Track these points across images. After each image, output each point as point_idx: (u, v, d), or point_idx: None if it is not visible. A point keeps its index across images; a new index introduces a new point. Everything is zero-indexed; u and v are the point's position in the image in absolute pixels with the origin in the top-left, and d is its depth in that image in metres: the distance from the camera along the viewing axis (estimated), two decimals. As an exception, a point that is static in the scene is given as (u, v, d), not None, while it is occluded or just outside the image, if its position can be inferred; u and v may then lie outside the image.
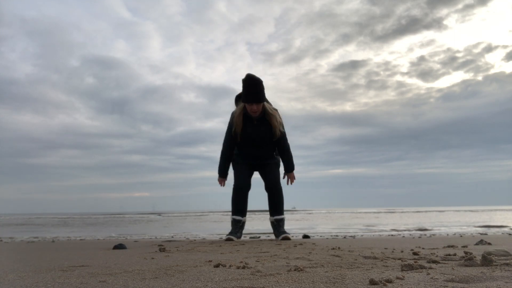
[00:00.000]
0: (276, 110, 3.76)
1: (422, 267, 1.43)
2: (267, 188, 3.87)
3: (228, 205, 4.06)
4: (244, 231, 3.95)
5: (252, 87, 3.50)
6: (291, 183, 3.92)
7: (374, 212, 27.10)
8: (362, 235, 5.46)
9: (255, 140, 3.71)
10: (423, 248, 2.38)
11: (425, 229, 7.30)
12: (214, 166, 4.00)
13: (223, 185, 3.92)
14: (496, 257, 1.65)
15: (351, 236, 5.03)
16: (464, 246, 2.50)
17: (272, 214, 3.86)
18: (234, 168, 3.89)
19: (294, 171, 3.93)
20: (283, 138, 3.77)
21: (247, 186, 3.82)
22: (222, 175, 3.88)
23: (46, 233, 7.70)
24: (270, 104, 3.76)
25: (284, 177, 3.92)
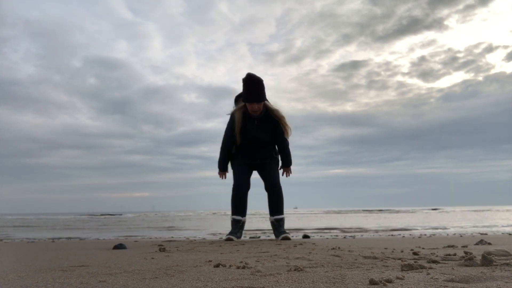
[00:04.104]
0: (277, 109, 3.75)
1: (422, 267, 1.43)
2: (267, 187, 3.86)
3: (227, 205, 4.06)
4: (244, 231, 3.95)
5: (253, 86, 3.52)
6: (287, 176, 4.00)
7: (387, 212, 27.08)
8: (362, 235, 5.45)
9: (256, 141, 3.71)
10: (423, 248, 2.38)
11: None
12: (215, 166, 4.01)
13: (224, 177, 3.97)
14: (496, 257, 1.65)
15: (351, 236, 5.03)
16: (464, 246, 2.50)
17: (272, 214, 3.86)
18: (233, 168, 3.90)
19: (291, 167, 4.00)
20: (284, 138, 3.81)
21: (247, 186, 3.82)
22: (223, 169, 3.93)
23: (46, 233, 7.70)
24: (270, 103, 3.76)
25: (281, 171, 3.98)
